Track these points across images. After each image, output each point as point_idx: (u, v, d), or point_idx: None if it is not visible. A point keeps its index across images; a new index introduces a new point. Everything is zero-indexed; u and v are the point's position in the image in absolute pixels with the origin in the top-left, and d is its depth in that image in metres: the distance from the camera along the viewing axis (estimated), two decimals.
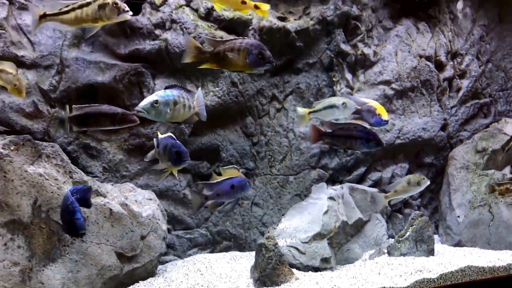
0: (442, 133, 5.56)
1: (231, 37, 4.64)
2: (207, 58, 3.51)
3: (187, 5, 4.60)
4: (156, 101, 3.27)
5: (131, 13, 3.60)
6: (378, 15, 5.52)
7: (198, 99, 3.52)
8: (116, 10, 3.50)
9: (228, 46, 3.47)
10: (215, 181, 3.82)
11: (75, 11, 3.50)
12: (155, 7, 4.43)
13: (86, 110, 3.55)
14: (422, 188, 4.56)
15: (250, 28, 4.72)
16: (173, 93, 3.35)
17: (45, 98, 3.98)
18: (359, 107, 4.19)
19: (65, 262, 3.49)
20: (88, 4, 3.49)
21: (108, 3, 3.49)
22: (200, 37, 4.45)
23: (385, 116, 4.10)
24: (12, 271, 3.23)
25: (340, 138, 4.18)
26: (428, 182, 4.53)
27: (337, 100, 4.24)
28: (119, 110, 3.64)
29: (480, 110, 5.90)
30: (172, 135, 3.66)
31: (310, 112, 4.26)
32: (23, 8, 4.01)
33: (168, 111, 3.29)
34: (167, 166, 3.55)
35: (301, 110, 4.33)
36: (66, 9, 3.49)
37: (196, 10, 4.62)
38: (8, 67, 3.47)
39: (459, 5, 5.91)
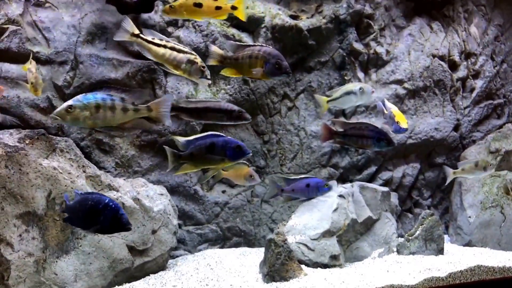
0: (455, 133, 5.65)
1: (243, 35, 4.80)
2: (227, 64, 3.65)
3: None
4: (71, 106, 3.19)
5: (210, 81, 3.81)
6: (391, 13, 5.62)
7: (162, 103, 3.51)
8: (200, 72, 3.68)
9: (246, 53, 3.59)
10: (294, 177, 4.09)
11: (165, 48, 3.69)
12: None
13: (206, 105, 3.92)
14: (487, 173, 4.67)
15: (263, 26, 4.85)
16: (96, 96, 3.28)
17: (59, 94, 4.13)
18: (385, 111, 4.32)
19: (78, 254, 3.65)
20: (180, 51, 3.70)
21: (197, 62, 3.69)
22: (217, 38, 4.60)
23: (404, 124, 4.20)
24: (26, 261, 3.39)
25: (352, 137, 4.28)
26: (493, 170, 4.64)
27: (353, 86, 4.37)
28: (236, 107, 3.91)
29: (493, 111, 5.98)
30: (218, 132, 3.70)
31: (328, 101, 4.40)
32: (39, 4, 4.18)
33: (88, 115, 3.23)
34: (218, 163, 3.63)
35: (320, 98, 4.47)
36: (159, 42, 3.72)
37: None
38: (33, 66, 3.66)
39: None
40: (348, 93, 4.33)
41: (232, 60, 3.59)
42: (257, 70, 3.57)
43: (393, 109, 4.29)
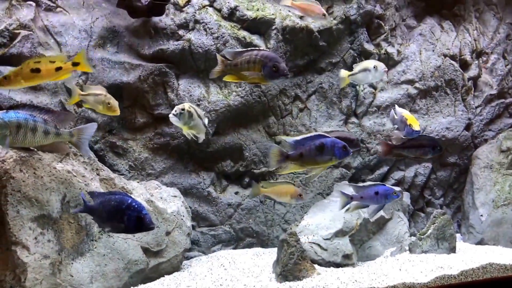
0: (466, 132, 5.69)
1: (254, 37, 4.86)
2: (229, 71, 3.66)
3: (210, 5, 4.80)
4: None
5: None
6: (401, 14, 5.67)
7: (84, 130, 3.46)
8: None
9: (244, 59, 3.61)
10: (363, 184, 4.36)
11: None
12: (179, 8, 4.64)
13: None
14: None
15: (273, 27, 4.90)
16: (18, 115, 3.21)
17: None
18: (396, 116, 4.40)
19: (93, 256, 3.72)
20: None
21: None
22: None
23: (416, 126, 4.25)
24: (42, 263, 3.47)
25: (410, 149, 4.37)
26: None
27: (369, 63, 4.49)
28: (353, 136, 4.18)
29: (505, 110, 6.00)
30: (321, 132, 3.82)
31: (349, 75, 4.49)
32: (50, 9, 4.26)
33: (7, 134, 3.15)
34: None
35: (343, 72, 4.58)
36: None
37: (219, 10, 4.82)
38: (97, 89, 3.77)
39: None
40: (365, 69, 4.45)
41: (232, 66, 3.61)
42: (253, 73, 3.58)
43: (404, 113, 4.35)
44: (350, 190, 4.22)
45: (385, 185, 4.18)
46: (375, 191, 4.05)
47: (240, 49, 3.73)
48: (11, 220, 3.42)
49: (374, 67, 4.44)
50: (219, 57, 3.68)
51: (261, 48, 3.73)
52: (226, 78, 3.71)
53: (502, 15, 6.14)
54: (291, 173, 4.83)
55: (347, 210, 4.10)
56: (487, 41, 6.00)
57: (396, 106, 4.55)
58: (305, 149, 3.52)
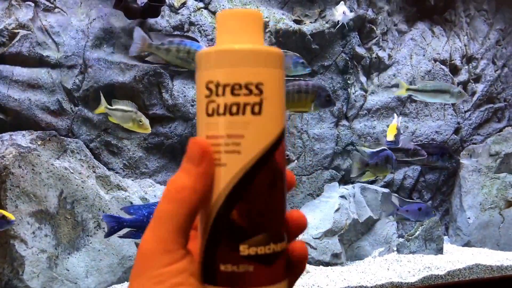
0: (455, 136, 5.81)
1: None
2: None
3: (205, 7, 4.90)
4: None
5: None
6: (393, 18, 5.80)
7: None
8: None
9: (293, 88, 3.71)
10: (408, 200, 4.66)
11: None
12: (174, 10, 4.76)
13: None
14: None
15: (267, 30, 4.99)
16: None
17: (69, 97, 4.34)
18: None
19: (88, 251, 3.86)
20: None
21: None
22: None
23: (388, 136, 4.34)
24: (39, 257, 3.61)
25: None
26: None
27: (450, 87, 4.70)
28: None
29: (494, 115, 6.12)
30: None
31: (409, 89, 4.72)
32: (48, 10, 4.38)
33: None
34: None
35: (401, 83, 4.75)
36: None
37: (214, 13, 4.91)
38: (126, 105, 3.95)
39: None
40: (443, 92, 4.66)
41: None
42: (308, 104, 3.72)
43: (391, 124, 4.49)
44: (396, 202, 4.47)
45: (426, 204, 4.44)
46: (419, 207, 4.34)
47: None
48: None
49: (459, 93, 4.58)
50: None
51: (301, 78, 3.84)
52: None
53: (492, 21, 6.24)
54: None
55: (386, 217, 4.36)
56: (477, 47, 6.11)
57: (394, 115, 4.67)
58: (380, 159, 3.96)
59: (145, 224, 3.17)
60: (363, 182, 5.02)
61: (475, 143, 5.85)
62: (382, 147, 4.15)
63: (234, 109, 0.74)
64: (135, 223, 3.25)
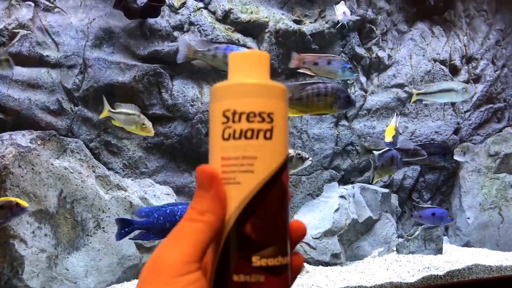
0: (455, 136, 5.80)
1: (248, 39, 5.00)
2: (289, 105, 3.77)
3: (205, 7, 4.91)
4: None
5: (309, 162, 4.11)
6: (393, 18, 5.80)
7: None
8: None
9: (311, 92, 3.70)
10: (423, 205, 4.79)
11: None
12: (174, 10, 4.76)
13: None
14: None
15: (267, 30, 4.99)
16: None
17: (69, 97, 4.34)
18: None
19: (88, 251, 3.86)
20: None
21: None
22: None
23: (386, 138, 4.32)
24: (39, 257, 3.62)
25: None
26: None
27: (455, 85, 4.72)
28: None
29: (493, 115, 6.11)
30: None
31: (419, 93, 4.74)
32: (48, 9, 4.39)
33: None
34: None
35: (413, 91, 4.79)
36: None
37: (213, 13, 4.93)
38: (129, 108, 3.96)
39: None
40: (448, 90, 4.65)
41: (294, 101, 3.67)
42: (328, 106, 3.75)
43: (389, 125, 4.50)
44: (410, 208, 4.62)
45: (441, 208, 4.49)
46: (432, 212, 4.41)
47: (300, 82, 3.90)
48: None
49: (463, 89, 4.59)
50: None
51: (319, 81, 3.85)
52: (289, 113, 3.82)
53: (492, 21, 6.24)
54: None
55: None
56: (477, 47, 6.11)
57: (395, 115, 4.67)
58: (385, 160, 4.12)
59: (155, 226, 3.21)
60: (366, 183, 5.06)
61: (475, 143, 5.84)
62: (387, 148, 4.21)
63: (249, 134, 0.83)
64: (146, 225, 3.28)
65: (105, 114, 4.04)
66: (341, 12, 4.63)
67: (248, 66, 0.88)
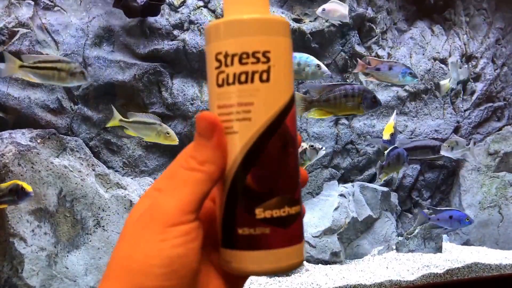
0: (455, 135, 5.77)
1: None
2: (315, 106, 3.80)
3: (205, 6, 4.91)
4: None
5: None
6: (393, 17, 5.80)
7: None
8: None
9: (339, 93, 3.72)
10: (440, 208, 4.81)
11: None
12: (174, 9, 4.76)
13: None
14: None
15: None
16: None
17: (69, 95, 4.34)
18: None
19: (88, 249, 3.86)
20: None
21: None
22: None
23: (384, 135, 4.41)
24: (39, 255, 3.62)
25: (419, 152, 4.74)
26: None
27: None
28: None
29: (493, 113, 6.11)
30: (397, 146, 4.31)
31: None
32: (48, 8, 4.39)
33: None
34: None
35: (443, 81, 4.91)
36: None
37: (213, 11, 4.91)
38: (146, 117, 4.01)
39: None
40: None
41: (321, 102, 3.71)
42: (355, 106, 3.78)
43: (388, 123, 4.52)
44: (426, 212, 4.68)
45: (459, 210, 4.52)
46: (450, 215, 4.42)
47: (327, 84, 3.90)
48: (9, 213, 3.57)
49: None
50: (298, 95, 3.80)
51: (346, 82, 3.87)
52: (313, 114, 3.83)
53: (492, 19, 6.24)
54: None
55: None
56: (476, 46, 6.10)
57: (394, 113, 4.68)
58: (391, 159, 4.17)
59: None
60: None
61: (475, 142, 5.83)
62: (393, 146, 4.25)
63: (243, 77, 0.77)
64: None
65: (115, 123, 4.03)
66: (321, 10, 4.61)
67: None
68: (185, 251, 0.72)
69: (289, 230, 0.79)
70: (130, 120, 4.00)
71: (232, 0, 0.82)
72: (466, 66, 4.81)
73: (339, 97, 3.73)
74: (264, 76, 0.76)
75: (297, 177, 0.81)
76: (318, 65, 4.00)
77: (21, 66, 3.71)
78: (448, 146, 4.85)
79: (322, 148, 4.17)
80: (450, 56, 5.90)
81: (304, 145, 4.11)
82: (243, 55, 0.76)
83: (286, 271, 0.80)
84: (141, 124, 3.98)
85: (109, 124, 4.10)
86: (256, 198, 0.77)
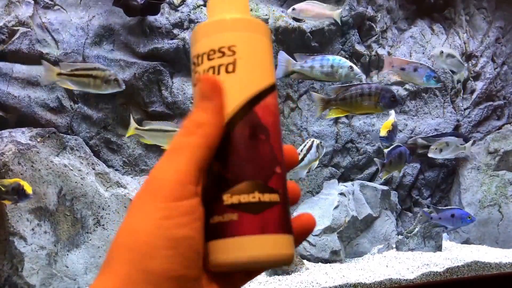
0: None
1: None
2: (333, 105, 3.84)
3: (205, 5, 4.88)
4: None
5: None
6: (393, 16, 5.80)
7: None
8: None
9: (355, 92, 3.77)
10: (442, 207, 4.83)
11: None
12: (174, 7, 4.76)
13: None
14: None
15: None
16: None
17: (69, 94, 4.34)
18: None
19: (87, 248, 3.86)
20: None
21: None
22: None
23: (381, 132, 4.40)
24: (39, 254, 3.62)
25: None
26: None
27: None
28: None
29: (493, 112, 6.12)
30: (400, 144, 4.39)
31: None
32: (48, 7, 4.39)
33: None
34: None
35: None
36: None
37: None
38: (163, 125, 4.04)
39: None
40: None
41: (338, 101, 3.75)
42: (372, 105, 3.80)
43: (387, 120, 4.52)
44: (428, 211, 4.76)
45: (462, 209, 4.53)
46: (452, 213, 4.43)
47: (345, 84, 3.95)
48: (9, 212, 3.57)
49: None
50: (316, 96, 3.91)
51: (364, 82, 3.88)
52: (331, 114, 3.90)
53: (492, 18, 6.25)
54: None
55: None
56: (476, 44, 6.11)
57: (393, 111, 4.68)
58: (393, 157, 4.24)
59: None
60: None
61: (475, 141, 5.84)
62: (396, 144, 4.26)
63: (211, 72, 0.78)
64: None
65: (131, 133, 4.04)
66: (291, 9, 4.63)
67: (224, 4, 0.84)
68: (191, 232, 0.69)
69: (261, 217, 0.74)
70: (147, 128, 4.01)
71: (211, 6, 0.85)
72: (452, 58, 4.78)
73: (355, 96, 3.77)
74: (230, 68, 0.78)
75: (272, 166, 0.78)
76: (351, 67, 4.00)
77: (59, 74, 3.80)
78: (436, 149, 4.85)
79: (320, 142, 4.25)
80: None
81: (309, 142, 4.16)
82: (210, 52, 0.79)
83: (265, 264, 0.74)
84: (160, 132, 3.98)
85: (128, 134, 4.10)
86: (223, 184, 0.75)
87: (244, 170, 0.75)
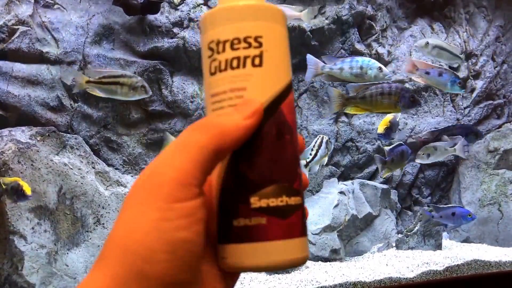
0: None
1: None
2: (352, 103, 3.85)
3: (205, 4, 4.90)
4: None
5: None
6: (393, 15, 5.79)
7: None
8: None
9: (375, 91, 3.79)
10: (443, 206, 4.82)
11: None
12: (174, 6, 4.76)
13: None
14: None
15: None
16: None
17: (69, 93, 4.34)
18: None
19: (87, 247, 3.86)
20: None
21: None
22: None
23: (379, 129, 4.47)
24: (39, 253, 3.62)
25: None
26: None
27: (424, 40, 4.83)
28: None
29: (493, 111, 6.10)
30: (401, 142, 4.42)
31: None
32: (48, 6, 4.39)
33: None
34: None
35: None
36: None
37: None
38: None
39: None
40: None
41: (358, 100, 3.77)
42: (392, 105, 3.83)
43: (386, 117, 4.52)
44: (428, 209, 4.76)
45: (462, 207, 4.54)
46: (452, 212, 4.44)
47: (365, 83, 3.94)
48: (9, 210, 3.57)
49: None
50: (335, 92, 3.86)
51: (384, 82, 3.89)
52: (350, 110, 3.92)
53: (492, 17, 6.23)
54: None
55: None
56: (476, 43, 6.10)
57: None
58: (395, 155, 4.28)
59: None
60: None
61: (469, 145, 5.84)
62: (398, 142, 4.27)
63: (235, 63, 0.74)
64: None
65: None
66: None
67: None
68: (191, 236, 0.65)
69: (288, 222, 0.73)
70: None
71: None
72: (441, 49, 4.76)
73: (375, 95, 3.79)
74: (257, 61, 0.74)
75: (296, 167, 0.77)
76: (380, 68, 3.99)
77: (88, 82, 3.86)
78: (423, 154, 4.83)
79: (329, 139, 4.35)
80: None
81: (319, 138, 4.21)
82: (234, 40, 0.74)
83: (287, 267, 0.73)
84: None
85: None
86: (250, 186, 0.72)
87: (272, 172, 0.73)
